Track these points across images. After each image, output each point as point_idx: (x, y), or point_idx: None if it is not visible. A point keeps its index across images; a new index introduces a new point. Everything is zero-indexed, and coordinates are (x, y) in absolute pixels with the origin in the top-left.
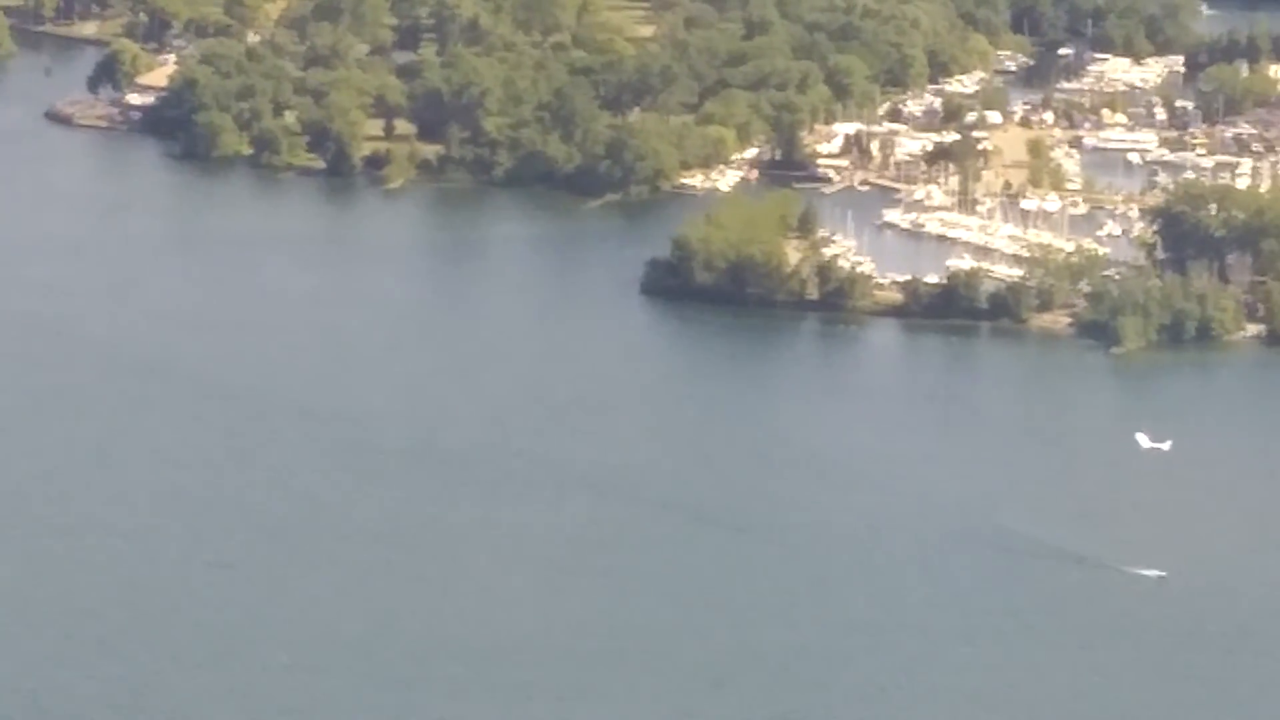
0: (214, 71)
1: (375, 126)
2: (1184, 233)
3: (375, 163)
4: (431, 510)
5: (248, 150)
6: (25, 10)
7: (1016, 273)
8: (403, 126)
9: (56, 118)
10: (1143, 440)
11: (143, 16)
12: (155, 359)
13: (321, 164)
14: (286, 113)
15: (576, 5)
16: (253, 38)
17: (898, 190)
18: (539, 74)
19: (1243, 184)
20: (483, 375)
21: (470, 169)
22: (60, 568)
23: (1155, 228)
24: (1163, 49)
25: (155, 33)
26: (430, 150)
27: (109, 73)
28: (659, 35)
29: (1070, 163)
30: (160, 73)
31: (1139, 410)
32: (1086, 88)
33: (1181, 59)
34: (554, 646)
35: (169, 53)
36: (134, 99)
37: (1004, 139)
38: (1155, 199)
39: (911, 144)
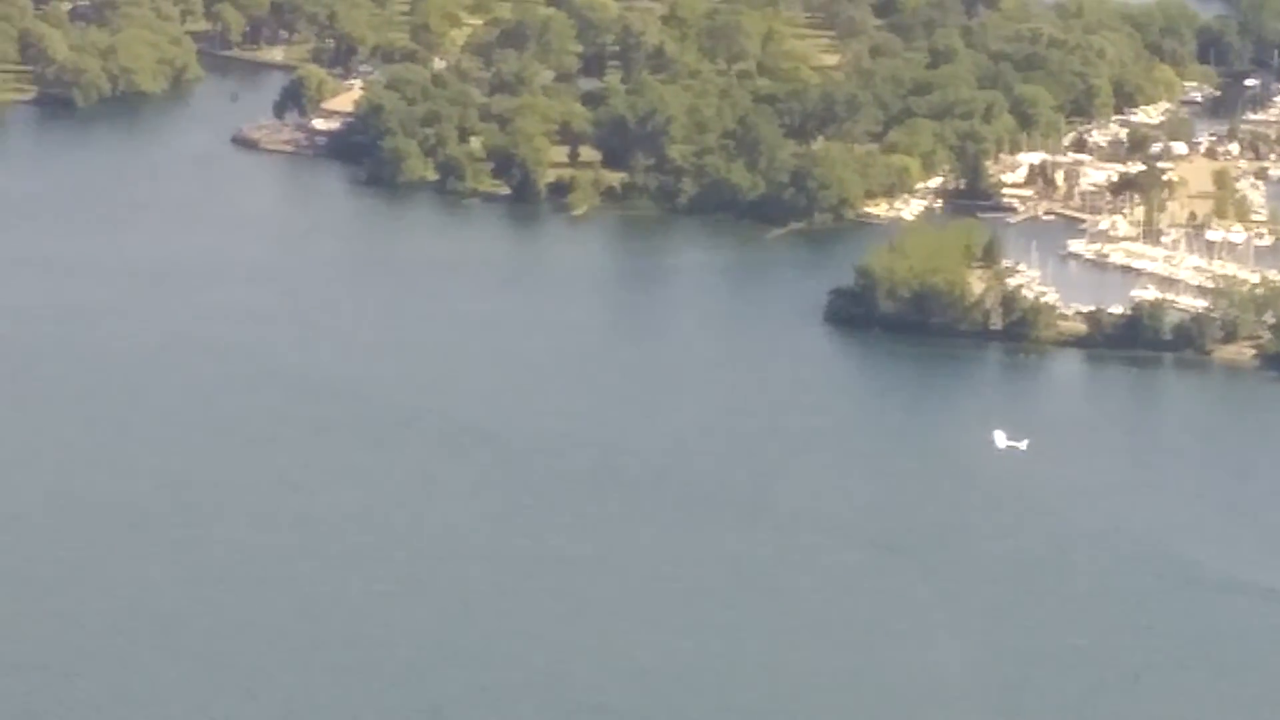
0: (400, 97)
1: (560, 153)
2: None
3: (560, 189)
4: (613, 538)
5: (433, 176)
6: (213, 35)
7: (1201, 304)
8: (587, 153)
9: (243, 142)
10: (1000, 440)
11: (329, 42)
12: (341, 384)
13: (506, 190)
14: (472, 139)
15: (762, 33)
16: (438, 63)
17: (1082, 221)
18: (724, 102)
19: None
20: (665, 403)
21: (654, 196)
22: (246, 590)
23: None
24: None
25: (341, 58)
26: (614, 177)
27: (295, 98)
28: (844, 64)
29: (1256, 194)
30: (346, 98)
31: None
32: (1273, 119)
33: None
34: (736, 677)
35: (355, 78)
36: (320, 124)
37: (1189, 170)
38: None
39: (1096, 174)
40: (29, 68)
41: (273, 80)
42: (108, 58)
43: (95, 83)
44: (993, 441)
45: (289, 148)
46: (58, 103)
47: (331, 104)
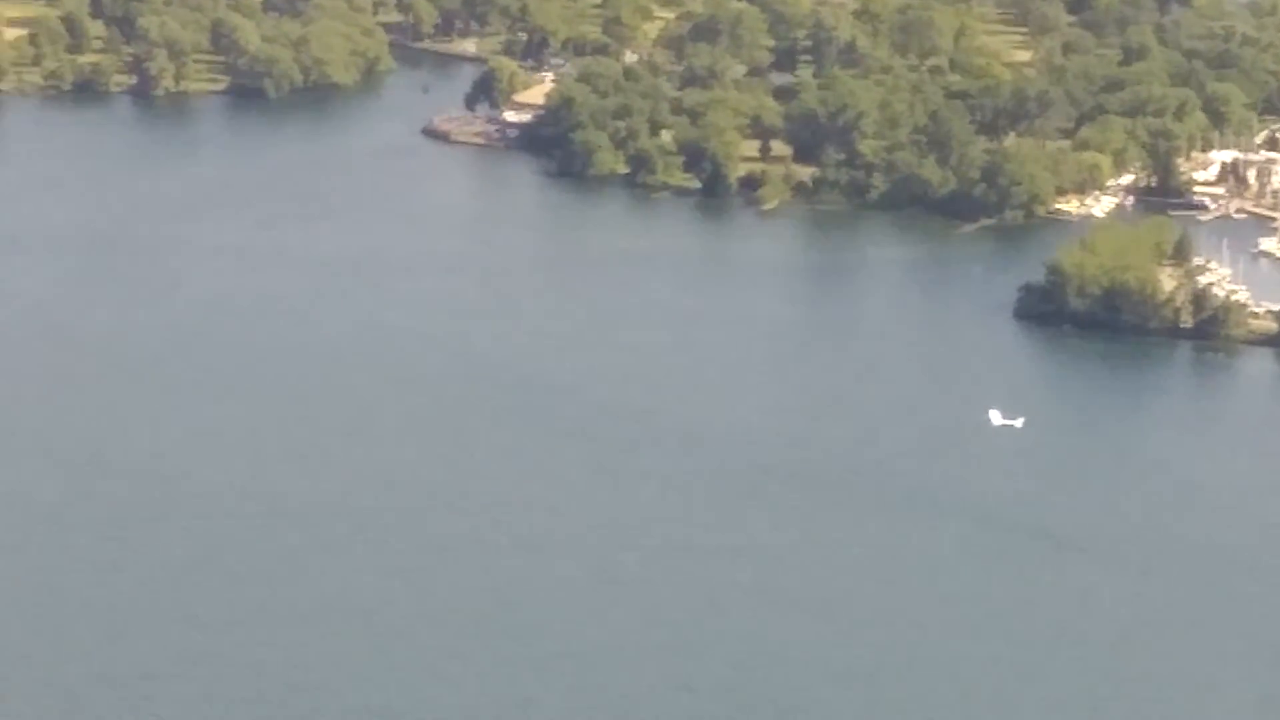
0: (591, 90)
1: (751, 147)
2: None
3: (750, 184)
4: (803, 533)
5: (623, 169)
6: (405, 27)
7: None
8: (778, 148)
9: (434, 134)
10: (995, 418)
11: (521, 34)
12: (532, 376)
13: (697, 184)
14: (663, 132)
15: (954, 29)
16: (630, 57)
17: (1274, 219)
18: (915, 97)
19: None
20: (855, 398)
21: (845, 191)
22: (441, 580)
23: None
24: None
25: (533, 50)
26: (805, 172)
27: (486, 90)
28: (1036, 60)
29: None
30: (537, 90)
31: None
32: None
33: None
34: (923, 670)
35: (546, 71)
36: (511, 116)
37: None
38: None
39: None
40: (221, 58)
41: (464, 72)
42: (300, 49)
43: (287, 74)
44: (988, 420)
45: (479, 140)
46: (249, 93)
47: (523, 96)
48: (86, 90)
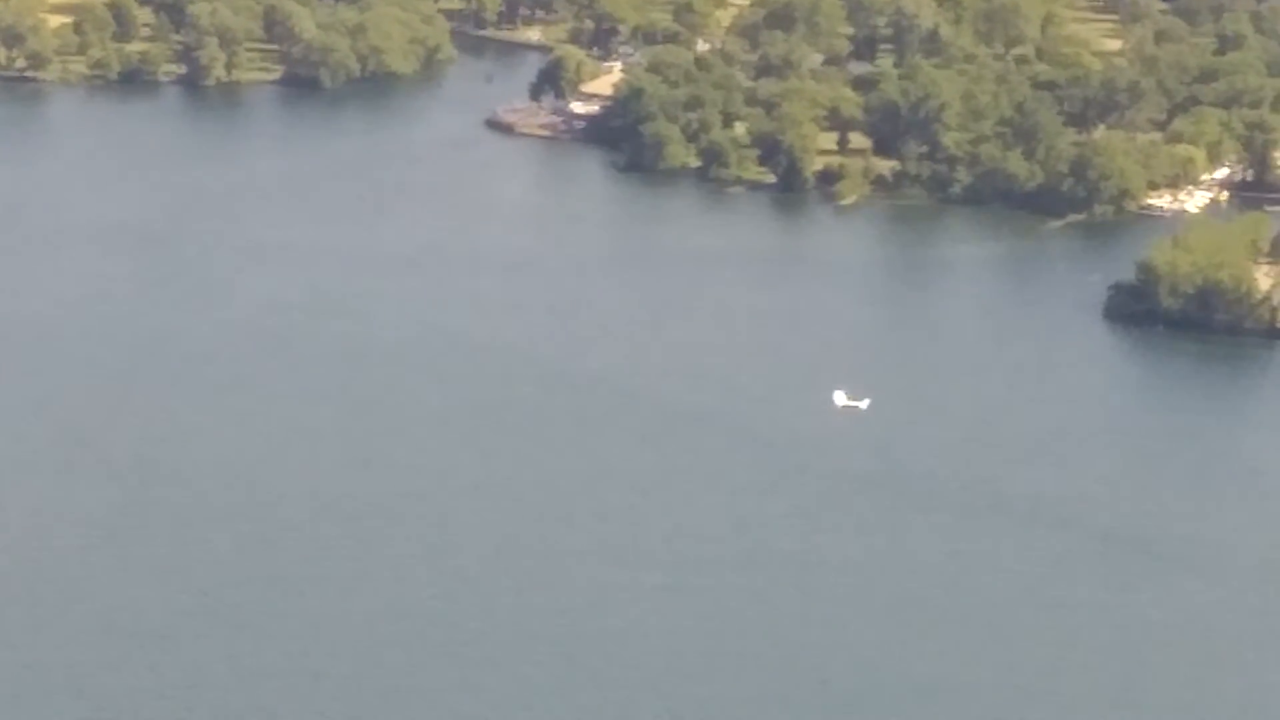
0: (661, 80)
1: (828, 140)
2: None
3: (828, 178)
4: (888, 539)
5: (695, 162)
6: (467, 14)
7: None
8: (857, 140)
9: (497, 126)
10: (839, 399)
11: (588, 22)
12: (602, 377)
13: (772, 178)
14: (736, 124)
15: (1041, 17)
16: (702, 45)
17: None
18: (1000, 88)
19: None
20: (939, 401)
21: (927, 186)
22: (504, 588)
23: None
24: None
25: (601, 39)
26: (885, 166)
27: (552, 80)
28: (1127, 49)
29: None
30: (605, 80)
31: None
32: None
33: None
34: (1010, 684)
35: (615, 60)
36: (578, 107)
37: None
38: None
39: None
40: (274, 47)
41: (529, 61)
42: (357, 37)
43: (344, 63)
44: (832, 401)
45: (545, 132)
46: (304, 83)
47: (590, 87)
48: (134, 80)
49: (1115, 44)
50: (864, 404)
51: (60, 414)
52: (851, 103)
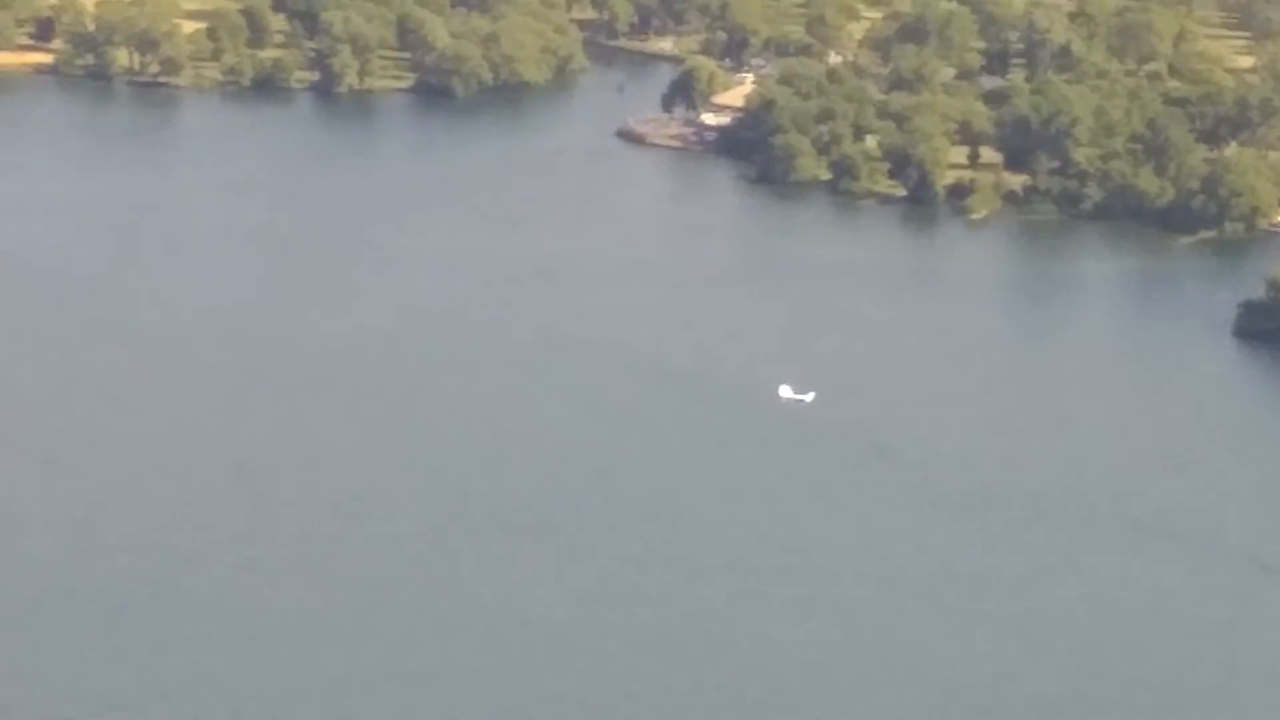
0: (793, 92)
1: (959, 154)
2: None
3: (959, 192)
4: (1022, 557)
5: (826, 175)
6: (599, 24)
7: None
8: (988, 154)
9: (629, 136)
10: (785, 392)
11: (720, 33)
12: (735, 389)
13: (902, 191)
14: (867, 137)
15: (1174, 33)
16: (834, 58)
17: None
18: (1132, 103)
19: None
20: (1065, 416)
21: (1057, 201)
22: (639, 603)
23: None
24: None
25: (733, 50)
26: (1016, 180)
27: (684, 91)
28: (1260, 66)
29: None
30: (737, 92)
31: None
32: None
33: None
34: (1140, 701)
35: (746, 72)
36: (709, 119)
37: None
38: None
39: None
40: (407, 55)
41: (660, 72)
42: (489, 46)
43: (476, 71)
44: (777, 394)
45: (676, 143)
46: (437, 91)
47: (722, 98)
48: (267, 86)
49: (1247, 61)
50: (808, 397)
51: (195, 418)
52: (983, 117)
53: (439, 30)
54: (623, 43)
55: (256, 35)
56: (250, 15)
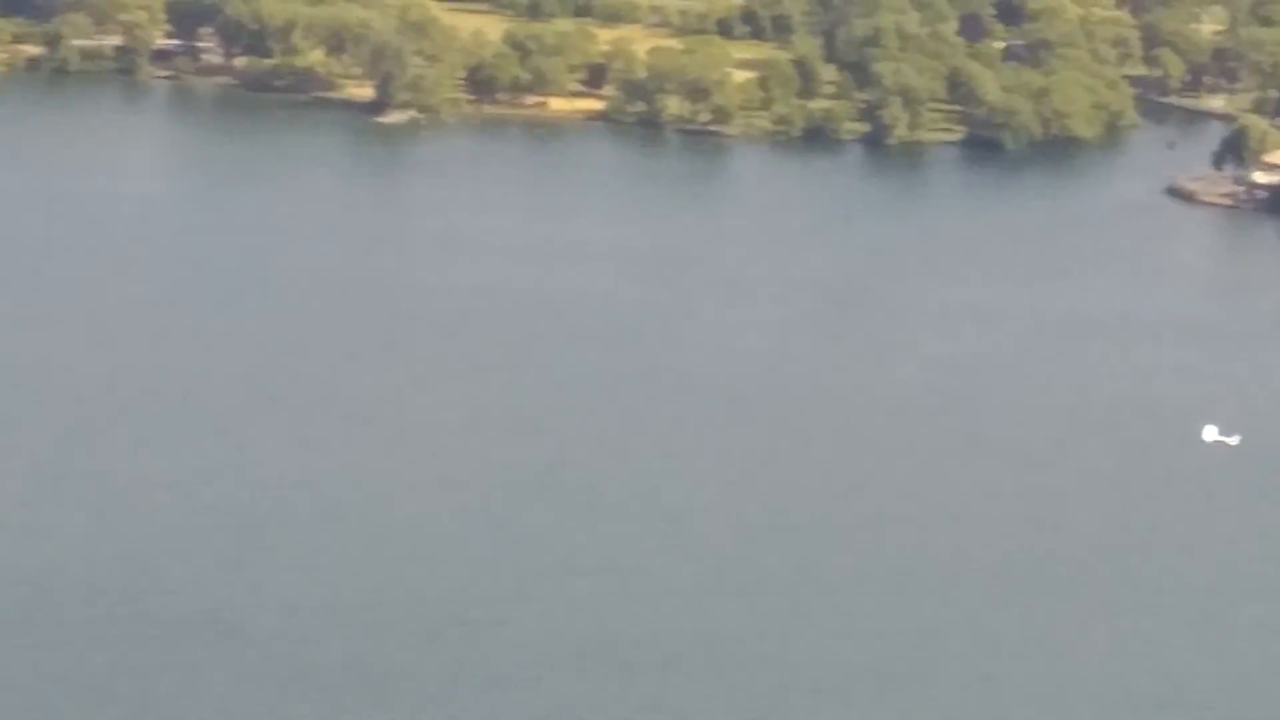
0: None
1: None
2: None
3: None
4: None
5: None
6: (1151, 81)
7: None
8: None
9: (1178, 193)
10: (1209, 433)
11: (1273, 92)
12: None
13: None
14: None
15: None
16: None
17: None
18: None
19: None
20: None
21: None
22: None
23: None
24: None
25: None
26: None
27: (1235, 149)
28: None
29: None
30: None
31: None
32: None
33: None
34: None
35: None
36: (1259, 177)
37: None
38: None
39: None
40: (958, 107)
41: (1211, 130)
42: (1040, 100)
43: (1026, 125)
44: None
45: (1226, 201)
46: (986, 144)
47: (1273, 157)
48: (816, 136)
49: None
50: (1234, 440)
51: (728, 469)
52: None
53: (990, 84)
54: (1174, 99)
55: (807, 85)
56: (801, 66)
